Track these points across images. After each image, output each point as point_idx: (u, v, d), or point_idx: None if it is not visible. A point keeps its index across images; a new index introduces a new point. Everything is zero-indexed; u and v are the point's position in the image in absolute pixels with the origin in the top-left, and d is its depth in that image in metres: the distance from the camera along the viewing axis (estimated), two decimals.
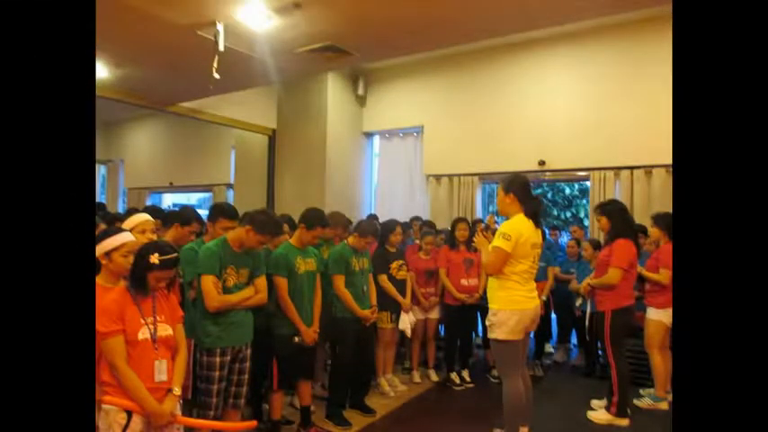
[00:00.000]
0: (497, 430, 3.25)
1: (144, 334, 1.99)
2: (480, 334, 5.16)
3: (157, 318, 2.05)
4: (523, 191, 2.98)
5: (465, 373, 4.50)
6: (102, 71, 5.09)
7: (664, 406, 3.82)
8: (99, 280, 2.06)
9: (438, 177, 6.82)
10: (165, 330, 2.05)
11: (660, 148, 5.05)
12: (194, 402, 2.69)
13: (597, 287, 3.69)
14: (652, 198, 5.36)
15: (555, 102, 5.96)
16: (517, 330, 2.90)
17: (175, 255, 2.08)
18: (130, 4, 3.59)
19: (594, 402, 3.85)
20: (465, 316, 4.49)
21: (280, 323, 3.16)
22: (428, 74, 6.86)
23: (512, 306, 2.89)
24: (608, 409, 3.62)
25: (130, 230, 2.35)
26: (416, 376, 4.53)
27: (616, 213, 3.70)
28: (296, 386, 3.39)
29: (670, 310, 3.68)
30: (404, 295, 4.19)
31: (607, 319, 3.59)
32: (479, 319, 4.80)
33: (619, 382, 3.56)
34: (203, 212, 3.47)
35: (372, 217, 5.66)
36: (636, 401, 3.88)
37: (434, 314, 4.54)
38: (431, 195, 6.89)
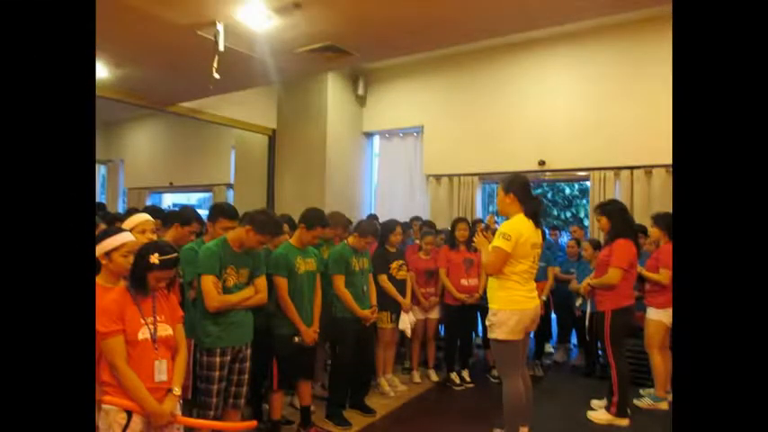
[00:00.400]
0: (497, 430, 3.25)
1: (144, 334, 1.99)
2: (480, 334, 5.16)
3: (157, 318, 2.05)
4: (523, 191, 2.98)
5: (465, 373, 4.50)
6: (102, 71, 5.09)
7: (664, 406, 3.82)
8: (99, 280, 2.06)
9: (438, 177, 6.82)
10: (165, 330, 2.05)
11: (660, 148, 5.05)
12: (194, 402, 2.69)
13: (597, 287, 3.69)
14: (652, 198, 5.36)
15: (555, 102, 5.96)
16: (517, 330, 2.90)
17: (175, 255, 2.08)
18: (130, 4, 3.59)
19: (594, 402, 3.85)
20: (465, 316, 4.49)
21: (280, 323, 3.16)
22: (428, 74, 6.86)
23: (512, 306, 2.89)
24: (608, 409, 3.62)
25: (130, 230, 2.35)
26: (416, 376, 4.52)
27: (616, 213, 3.70)
28: (296, 386, 3.39)
29: (670, 310, 3.68)
30: (404, 295, 4.19)
31: (607, 319, 3.59)
32: (479, 319, 4.80)
33: (619, 382, 3.56)
34: (203, 212, 3.47)
35: (372, 217, 5.66)
36: (636, 401, 3.88)
37: (434, 314, 4.54)
38: (431, 195, 6.89)
